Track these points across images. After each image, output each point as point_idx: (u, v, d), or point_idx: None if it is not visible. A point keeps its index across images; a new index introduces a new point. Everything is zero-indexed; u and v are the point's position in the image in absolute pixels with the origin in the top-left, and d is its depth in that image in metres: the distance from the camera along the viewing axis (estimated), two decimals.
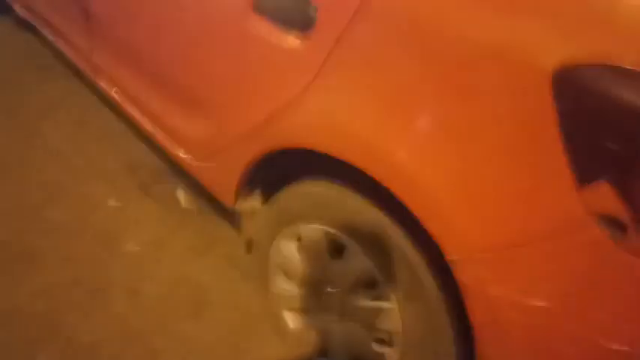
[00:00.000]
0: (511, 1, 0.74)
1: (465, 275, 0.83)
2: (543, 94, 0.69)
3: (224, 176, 1.33)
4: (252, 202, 1.32)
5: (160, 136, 1.51)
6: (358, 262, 1.03)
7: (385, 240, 0.96)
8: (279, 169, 1.19)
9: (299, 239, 1.17)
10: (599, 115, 0.68)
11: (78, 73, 2.14)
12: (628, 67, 0.64)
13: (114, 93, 1.67)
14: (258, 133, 1.11)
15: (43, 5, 1.98)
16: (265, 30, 1.02)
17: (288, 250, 1.20)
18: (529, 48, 0.71)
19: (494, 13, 0.75)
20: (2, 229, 1.54)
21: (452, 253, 0.84)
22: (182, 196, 1.79)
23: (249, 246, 1.39)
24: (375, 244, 0.98)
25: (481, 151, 0.78)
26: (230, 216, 1.48)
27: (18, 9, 2.22)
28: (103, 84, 1.73)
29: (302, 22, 0.95)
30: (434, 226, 0.85)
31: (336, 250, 1.08)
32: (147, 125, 1.55)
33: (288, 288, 1.24)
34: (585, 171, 0.70)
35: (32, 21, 2.16)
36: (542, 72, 0.69)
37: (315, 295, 1.16)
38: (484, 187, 0.79)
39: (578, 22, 0.69)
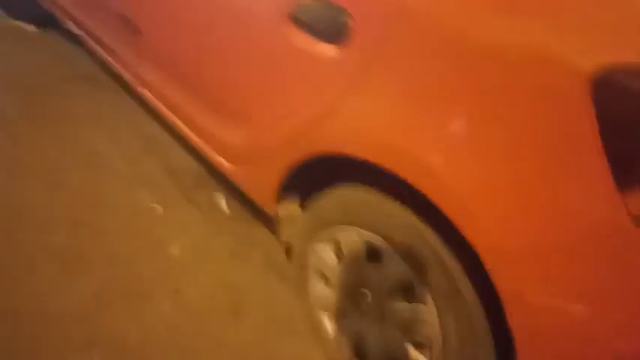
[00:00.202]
0: (548, 7, 0.74)
1: (503, 280, 0.83)
2: (582, 97, 0.69)
3: (263, 182, 1.37)
4: (291, 208, 1.35)
5: (202, 143, 1.57)
6: (395, 266, 1.04)
7: (422, 245, 0.97)
8: (318, 174, 1.21)
9: (337, 244, 1.19)
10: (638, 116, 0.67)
11: (123, 84, 2.24)
12: None
13: (158, 102, 1.74)
14: (296, 140, 1.14)
15: (92, 20, 2.08)
16: (302, 40, 1.05)
17: (326, 254, 1.22)
18: (567, 51, 0.71)
19: (530, 18, 0.75)
20: (54, 234, 1.63)
21: (488, 258, 0.84)
22: (222, 201, 1.85)
23: (288, 250, 1.42)
24: (411, 249, 0.99)
25: (519, 157, 0.78)
26: (269, 221, 1.52)
27: (68, 23, 2.34)
28: (147, 94, 1.81)
29: (338, 33, 0.97)
30: (470, 232, 0.86)
31: (374, 254, 1.09)
32: (189, 133, 1.61)
33: (325, 292, 1.26)
34: (625, 174, 0.69)
35: (81, 35, 2.27)
36: (581, 75, 0.69)
37: (353, 299, 1.18)
38: (521, 192, 0.79)
39: (616, 26, 0.68)
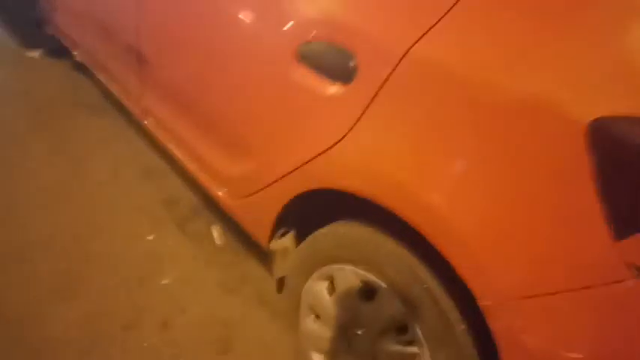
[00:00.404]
0: (546, 55, 0.78)
1: (499, 322, 0.84)
2: (578, 146, 0.71)
3: (260, 215, 1.37)
4: (286, 242, 1.35)
5: (200, 174, 1.58)
6: (389, 305, 1.03)
7: (417, 284, 0.97)
8: (313, 209, 1.22)
9: (330, 280, 1.18)
10: (636, 166, 0.69)
11: (125, 113, 2.27)
12: None
13: (160, 132, 1.77)
14: (297, 175, 1.16)
15: (98, 50, 2.14)
16: (308, 79, 1.08)
17: (320, 291, 1.21)
18: (565, 102, 0.74)
19: (529, 67, 0.78)
20: (48, 259, 1.61)
21: (485, 298, 0.84)
22: (216, 232, 1.85)
23: (280, 285, 1.41)
24: (406, 288, 0.99)
25: (516, 199, 0.79)
26: (262, 254, 1.52)
27: (74, 51, 2.40)
28: (149, 123, 1.84)
29: (344, 73, 1.00)
30: (467, 272, 0.86)
31: (368, 292, 1.09)
32: (188, 163, 1.63)
33: (317, 329, 1.24)
34: (622, 222, 0.71)
35: (87, 64, 2.32)
36: (577, 124, 0.71)
37: (345, 337, 1.16)
38: (518, 235, 0.80)
39: (611, 76, 0.72)
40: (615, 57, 0.72)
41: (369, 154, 0.99)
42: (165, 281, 1.62)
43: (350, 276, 1.11)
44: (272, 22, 1.18)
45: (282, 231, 1.36)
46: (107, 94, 2.51)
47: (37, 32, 2.78)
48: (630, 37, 0.73)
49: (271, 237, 1.36)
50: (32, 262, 1.60)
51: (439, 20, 0.88)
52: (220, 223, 1.89)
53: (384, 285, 1.04)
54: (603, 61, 0.73)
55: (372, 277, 1.06)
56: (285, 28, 1.14)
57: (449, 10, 0.87)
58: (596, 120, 0.70)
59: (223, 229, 1.86)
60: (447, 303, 0.94)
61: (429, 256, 0.94)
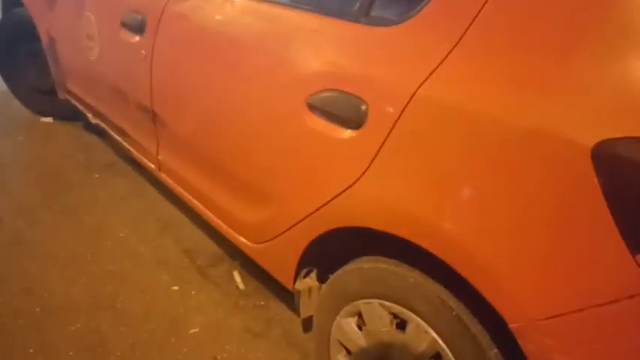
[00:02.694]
0: (546, 86, 0.83)
1: (530, 343, 0.86)
2: (586, 168, 0.76)
3: (283, 258, 1.41)
4: (310, 282, 1.38)
5: (220, 223, 1.63)
6: (421, 335, 1.06)
7: (446, 312, 0.99)
8: (335, 248, 1.26)
9: (359, 315, 1.21)
10: None
11: (140, 169, 2.35)
12: None
13: (177, 186, 1.83)
14: (317, 217, 1.20)
15: (112, 111, 2.23)
16: (321, 126, 1.14)
17: (349, 327, 1.23)
18: (567, 127, 0.78)
19: (531, 99, 0.83)
20: (77, 320, 1.64)
21: (514, 321, 0.87)
22: (239, 277, 1.88)
23: (307, 325, 1.43)
24: (436, 317, 1.01)
25: (532, 223, 0.83)
26: (287, 295, 1.54)
27: (85, 113, 2.49)
28: (165, 177, 1.90)
29: (355, 118, 1.06)
30: (493, 296, 0.89)
31: (399, 324, 1.11)
32: (208, 213, 1.68)
33: None
34: (637, 236, 0.74)
35: (98, 123, 2.41)
36: (583, 148, 0.76)
37: None
38: (539, 256, 0.83)
39: (611, 101, 0.76)
40: (613, 83, 0.77)
41: (385, 192, 1.03)
42: (193, 330, 1.64)
43: (378, 310, 1.14)
44: (282, 75, 1.26)
45: (305, 271, 1.39)
46: (122, 153, 2.61)
47: (50, 98, 2.91)
48: (624, 63, 0.77)
49: (295, 278, 1.40)
50: (58, 326, 1.62)
51: (442, 61, 0.94)
52: (242, 267, 1.93)
53: (413, 316, 1.06)
54: (602, 88, 0.77)
55: (400, 309, 1.09)
56: (295, 81, 1.21)
57: (451, 51, 0.93)
58: (600, 142, 0.75)
59: (246, 273, 1.90)
60: (477, 328, 0.96)
61: (455, 283, 0.97)
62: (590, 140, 0.75)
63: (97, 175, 2.52)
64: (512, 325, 0.87)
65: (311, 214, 1.21)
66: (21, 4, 2.73)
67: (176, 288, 1.82)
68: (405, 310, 1.08)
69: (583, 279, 0.80)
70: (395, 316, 1.11)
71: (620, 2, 0.79)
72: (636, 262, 0.74)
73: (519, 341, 0.87)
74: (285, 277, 1.44)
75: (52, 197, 2.30)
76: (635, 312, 0.76)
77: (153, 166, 1.98)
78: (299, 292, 1.40)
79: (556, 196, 0.80)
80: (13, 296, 1.71)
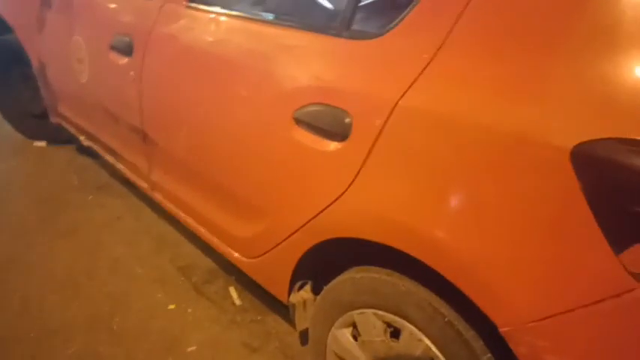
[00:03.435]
0: (524, 91, 0.85)
1: (521, 346, 0.86)
2: (566, 170, 0.77)
3: (276, 271, 1.42)
4: (304, 294, 1.39)
5: (213, 239, 1.64)
6: (414, 343, 1.06)
7: (439, 319, 1.00)
8: (328, 259, 1.27)
9: (354, 326, 1.21)
10: (621, 183, 0.75)
11: (134, 189, 2.35)
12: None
13: (170, 204, 1.84)
14: (307, 230, 1.21)
15: (104, 133, 2.24)
16: (307, 139, 1.16)
17: (345, 338, 1.24)
18: (546, 131, 0.80)
19: (510, 103, 0.85)
20: (74, 342, 1.64)
21: (504, 325, 0.88)
22: (235, 292, 1.88)
23: (304, 337, 1.43)
24: (429, 324, 1.02)
25: (517, 226, 0.84)
26: (283, 308, 1.54)
27: (82, 138, 2.51)
28: (158, 196, 1.91)
29: (340, 131, 1.08)
30: (483, 301, 0.90)
31: (393, 333, 1.12)
32: (202, 230, 1.69)
33: None
34: (619, 235, 0.75)
35: (93, 147, 2.42)
36: (562, 150, 0.77)
37: None
38: (525, 259, 0.84)
39: (588, 104, 0.78)
40: (590, 86, 0.78)
41: (372, 202, 1.04)
42: (191, 348, 1.64)
43: (372, 319, 1.15)
44: (269, 91, 1.27)
45: (299, 283, 1.40)
46: (115, 174, 2.62)
47: (42, 123, 2.92)
48: (600, 66, 0.79)
49: (290, 291, 1.40)
50: (55, 349, 1.61)
51: (423, 71, 0.96)
52: (238, 282, 1.93)
53: (406, 324, 1.07)
54: (579, 91, 0.79)
55: (394, 318, 1.09)
56: (281, 96, 1.23)
57: (431, 60, 0.95)
58: (579, 144, 0.76)
59: (242, 288, 1.90)
60: (470, 334, 0.97)
61: (446, 290, 0.98)
62: (569, 142, 0.76)
63: (91, 197, 2.53)
64: (502, 330, 0.88)
65: (302, 226, 1.22)
66: (10, 31, 2.75)
67: (172, 306, 1.82)
68: (398, 319, 1.08)
69: (570, 280, 0.81)
70: (389, 325, 1.12)
71: (594, 6, 0.81)
72: (619, 261, 0.75)
73: (510, 345, 0.88)
74: (279, 290, 1.44)
75: (47, 220, 2.31)
76: (621, 310, 0.77)
77: (145, 185, 1.98)
78: (294, 305, 1.41)
79: (540, 199, 0.82)
80: (8, 320, 1.71)
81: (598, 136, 0.75)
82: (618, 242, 0.75)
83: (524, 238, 0.84)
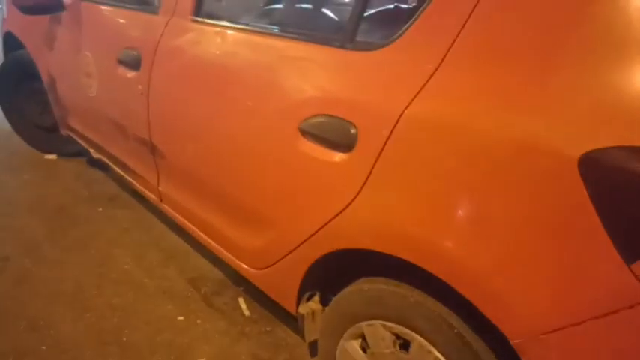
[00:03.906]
0: (530, 100, 0.84)
1: (532, 358, 0.85)
2: (574, 179, 0.76)
3: (284, 282, 1.41)
4: (313, 305, 1.38)
5: (222, 250, 1.64)
6: (424, 355, 1.05)
7: (448, 330, 0.99)
8: (337, 271, 1.26)
9: (363, 337, 1.20)
10: (630, 191, 0.74)
11: (143, 201, 2.36)
12: None
13: (179, 216, 1.84)
14: (314, 241, 1.21)
15: (113, 146, 2.26)
16: (313, 150, 1.16)
17: (353, 349, 1.23)
18: (553, 139, 0.79)
19: (516, 113, 0.84)
20: (83, 356, 1.64)
21: (515, 337, 0.86)
22: (244, 303, 1.88)
23: (314, 349, 1.42)
24: (438, 336, 1.01)
25: (527, 236, 0.83)
26: (292, 319, 1.54)
27: (92, 151, 2.54)
28: (167, 208, 1.92)
29: (345, 142, 1.08)
30: (493, 313, 0.89)
31: (402, 345, 1.11)
32: (210, 241, 1.69)
33: None
34: (630, 244, 0.74)
35: (103, 160, 2.45)
36: (569, 159, 0.76)
37: None
38: (535, 270, 0.83)
39: (594, 113, 0.77)
40: (596, 95, 0.78)
41: (379, 212, 1.04)
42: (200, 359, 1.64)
43: (381, 331, 1.14)
44: (275, 103, 1.28)
45: (308, 294, 1.39)
46: (124, 186, 2.64)
47: (52, 136, 2.96)
48: (605, 74, 0.78)
49: (298, 302, 1.40)
50: None
51: (427, 81, 0.96)
52: (247, 293, 1.93)
53: (415, 335, 1.06)
54: (585, 100, 0.78)
55: (402, 329, 1.08)
56: (287, 108, 1.23)
57: (435, 70, 0.95)
58: (586, 153, 0.75)
59: (251, 299, 1.90)
60: (479, 345, 0.96)
61: (456, 301, 0.97)
62: (577, 151, 0.76)
63: (100, 209, 2.55)
64: (514, 341, 0.87)
65: (309, 237, 1.22)
66: (22, 47, 2.81)
67: (181, 318, 1.82)
68: (407, 330, 1.07)
69: (582, 291, 0.79)
70: (398, 336, 1.11)
71: (599, 15, 0.80)
72: (632, 271, 0.74)
73: (522, 357, 0.86)
74: (287, 301, 1.44)
75: (58, 233, 2.32)
76: (635, 321, 0.76)
77: (154, 197, 2.00)
78: (302, 315, 1.40)
79: (548, 209, 0.81)
80: (19, 334, 1.71)
81: (606, 145, 0.74)
82: (630, 252, 0.74)
83: (534, 248, 0.83)
